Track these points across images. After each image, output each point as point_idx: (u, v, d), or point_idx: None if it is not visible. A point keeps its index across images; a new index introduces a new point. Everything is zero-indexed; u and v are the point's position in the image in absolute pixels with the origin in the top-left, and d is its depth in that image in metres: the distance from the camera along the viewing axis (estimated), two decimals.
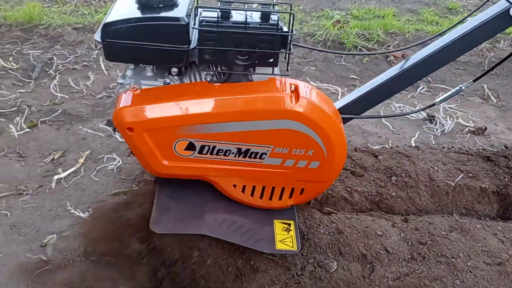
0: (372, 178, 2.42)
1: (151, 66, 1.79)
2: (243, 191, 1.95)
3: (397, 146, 2.75)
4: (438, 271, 1.97)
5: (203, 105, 1.69)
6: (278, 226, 1.99)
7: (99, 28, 1.63)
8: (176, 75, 1.76)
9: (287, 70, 1.77)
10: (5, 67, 3.53)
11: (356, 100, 2.04)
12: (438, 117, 3.06)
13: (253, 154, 1.80)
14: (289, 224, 2.00)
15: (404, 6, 5.00)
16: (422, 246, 2.08)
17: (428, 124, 3.04)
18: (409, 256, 2.04)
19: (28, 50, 3.81)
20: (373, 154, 2.62)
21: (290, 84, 1.76)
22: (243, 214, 2.01)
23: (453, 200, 2.42)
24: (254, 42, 1.62)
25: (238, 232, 1.94)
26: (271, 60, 1.67)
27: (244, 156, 1.81)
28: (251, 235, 1.94)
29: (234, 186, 1.94)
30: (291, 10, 1.68)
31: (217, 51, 1.64)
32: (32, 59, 3.66)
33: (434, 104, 2.07)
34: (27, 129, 2.84)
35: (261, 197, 1.97)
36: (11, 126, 2.84)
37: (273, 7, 1.72)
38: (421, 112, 3.14)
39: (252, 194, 1.97)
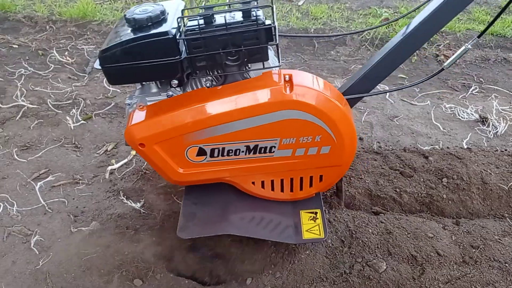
0: (422, 179, 2.38)
1: (155, 83, 1.85)
2: (263, 187, 1.97)
3: (447, 148, 2.68)
4: (490, 276, 1.92)
5: (204, 110, 1.72)
6: (305, 216, 1.99)
7: (97, 56, 1.70)
8: (177, 86, 1.80)
9: (279, 61, 1.79)
10: (61, 61, 3.68)
11: (360, 79, 1.98)
12: (490, 119, 2.97)
13: (263, 149, 1.81)
14: (316, 213, 2.00)
15: None
16: (474, 250, 2.03)
17: (481, 125, 2.95)
18: (461, 260, 2.00)
19: (82, 45, 3.95)
20: (423, 154, 2.57)
21: (284, 75, 1.76)
22: (268, 209, 2.02)
23: (506, 204, 2.34)
24: (239, 40, 1.63)
25: (264, 227, 1.95)
26: (259, 55, 1.68)
27: (254, 153, 1.82)
28: (277, 229, 1.95)
29: (253, 183, 1.96)
30: (272, 3, 1.70)
31: (205, 57, 1.67)
32: (86, 54, 3.80)
33: (443, 69, 1.97)
34: (82, 121, 2.95)
35: (281, 190, 1.98)
36: (67, 118, 2.96)
37: (256, 3, 1.74)
38: (473, 113, 3.05)
39: (272, 189, 1.98)
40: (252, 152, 1.82)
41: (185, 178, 1.89)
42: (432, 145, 2.74)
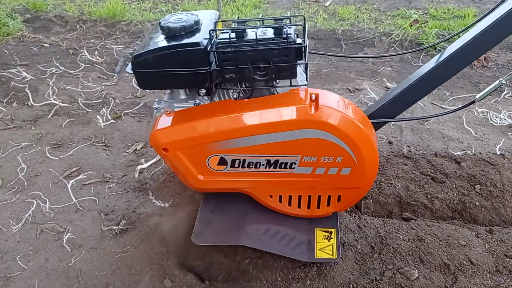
0: (454, 186, 2.34)
1: (184, 90, 1.87)
2: (280, 201, 1.98)
3: (480, 153, 2.62)
4: None
5: (228, 122, 1.74)
6: (319, 234, 1.99)
7: (130, 60, 1.71)
8: (205, 95, 1.82)
9: (306, 80, 1.80)
10: (91, 61, 3.74)
11: (389, 103, 1.95)
12: None
13: (283, 165, 1.82)
14: (331, 233, 1.99)
15: (486, 7, 4.75)
16: (508, 259, 1.98)
17: None
18: (494, 269, 1.95)
19: (111, 45, 4.01)
20: (455, 160, 2.52)
21: (311, 94, 1.76)
22: (284, 223, 2.03)
23: None
24: (268, 57, 1.64)
25: (278, 241, 1.96)
26: (288, 72, 1.69)
27: (275, 167, 1.83)
28: (291, 244, 1.95)
29: (271, 196, 1.97)
30: (304, 22, 1.72)
31: (234, 70, 1.69)
32: (115, 54, 3.86)
33: (474, 101, 1.93)
34: (112, 120, 2.99)
35: (299, 206, 1.98)
36: (98, 116, 3.01)
37: (289, 21, 1.75)
38: (506, 118, 2.98)
39: (289, 204, 1.98)
40: (273, 166, 1.83)
41: (205, 185, 1.92)
42: (464, 150, 2.69)
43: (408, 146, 2.74)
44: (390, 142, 2.77)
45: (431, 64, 1.86)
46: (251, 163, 1.83)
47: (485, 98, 1.93)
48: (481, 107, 3.11)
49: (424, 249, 2.00)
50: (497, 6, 1.80)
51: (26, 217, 2.30)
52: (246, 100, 1.80)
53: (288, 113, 1.70)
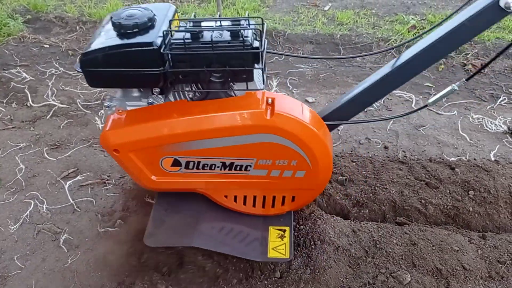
0: (448, 191, 2.36)
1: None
2: (235, 200, 1.99)
3: (474, 159, 2.65)
4: None
5: (183, 125, 1.71)
6: (273, 232, 1.99)
7: (78, 58, 1.67)
8: (158, 94, 1.77)
9: (263, 83, 1.77)
10: None
11: (344, 105, 1.96)
12: None
13: (238, 167, 1.82)
14: (284, 231, 2.00)
15: None
16: (500, 265, 2.01)
17: (509, 138, 2.91)
18: (487, 275, 1.98)
19: None
20: (449, 165, 2.55)
21: (267, 98, 1.74)
22: (238, 221, 2.02)
23: None
24: (224, 60, 1.60)
25: (231, 241, 1.96)
26: (244, 76, 1.65)
27: (230, 169, 1.83)
28: (244, 244, 1.95)
29: (226, 196, 1.97)
30: (262, 24, 1.66)
31: (189, 72, 1.64)
32: None
33: (426, 106, 1.95)
34: None
35: (254, 205, 1.99)
36: (96, 118, 3.02)
37: (247, 23, 1.69)
38: (501, 125, 3.01)
39: (244, 203, 1.99)
40: (228, 168, 1.83)
41: (158, 185, 1.91)
42: (458, 156, 2.72)
43: (404, 151, 2.77)
44: (386, 147, 2.80)
45: (386, 68, 1.87)
46: (206, 165, 1.82)
47: (438, 102, 1.92)
48: (477, 113, 3.14)
49: (417, 254, 2.02)
50: (455, 13, 1.83)
51: (23, 217, 2.32)
52: (201, 102, 1.77)
53: (244, 117, 1.69)
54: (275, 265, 2.01)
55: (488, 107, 3.22)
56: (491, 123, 3.04)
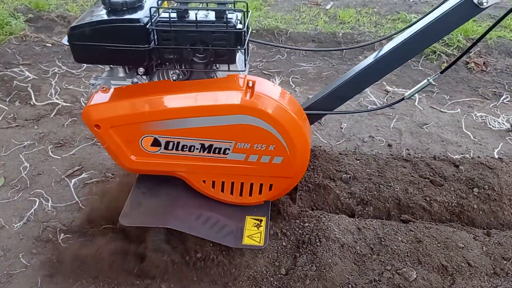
0: (453, 189, 2.36)
1: (123, 67, 1.83)
2: (213, 186, 1.98)
3: (478, 157, 2.66)
4: None
5: (163, 102, 1.73)
6: (249, 222, 2.01)
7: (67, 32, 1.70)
8: (143, 74, 1.80)
9: (245, 66, 1.81)
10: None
11: (326, 96, 2.00)
12: None
13: (217, 150, 1.83)
14: (261, 221, 2.01)
15: (486, 12, 4.77)
16: (505, 262, 2.01)
17: None
18: (492, 271, 1.98)
19: None
20: (453, 163, 2.55)
21: (248, 81, 1.76)
22: (216, 209, 2.03)
23: None
24: (207, 40, 1.64)
25: (207, 226, 1.97)
26: (226, 57, 1.69)
27: (209, 152, 1.84)
28: (220, 230, 1.96)
29: (204, 182, 1.97)
30: (247, 8, 1.70)
31: (173, 50, 1.67)
32: None
33: (403, 99, 1.99)
34: None
35: (231, 193, 2.00)
36: None
37: (233, 6, 1.76)
38: (504, 123, 3.02)
39: (222, 190, 1.99)
40: (207, 151, 1.84)
41: (137, 166, 1.90)
42: (462, 154, 2.72)
43: (407, 149, 2.77)
44: (389, 145, 2.80)
45: (368, 60, 1.91)
46: (185, 146, 1.83)
47: (413, 95, 2.01)
48: (480, 111, 3.15)
49: (422, 251, 2.03)
50: (436, 8, 1.85)
51: (28, 215, 2.33)
52: (183, 82, 1.80)
53: (223, 97, 1.71)
54: (280, 262, 2.02)
55: (491, 105, 3.23)
56: (494, 121, 3.05)
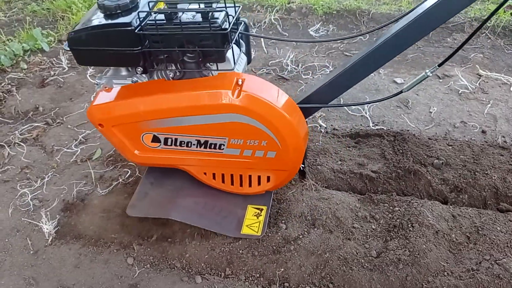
0: None
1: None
2: (214, 178, 2.03)
3: None
4: None
5: (157, 102, 1.79)
6: (250, 211, 2.06)
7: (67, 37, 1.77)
8: (142, 73, 1.84)
9: (234, 64, 1.83)
10: None
11: (322, 88, 1.96)
12: None
13: (213, 145, 1.89)
14: (261, 210, 2.06)
15: None
16: None
17: None
18: None
19: None
20: None
21: (238, 79, 1.77)
22: (219, 198, 2.10)
23: None
24: (194, 41, 1.67)
25: (208, 216, 2.05)
26: (214, 56, 1.72)
27: (205, 147, 1.90)
28: (221, 219, 2.04)
29: (205, 173, 2.05)
30: (235, 6, 1.74)
31: (164, 51, 1.72)
32: None
33: (401, 92, 1.92)
34: None
35: (232, 183, 2.05)
36: None
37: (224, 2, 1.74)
38: None
39: (223, 181, 2.06)
40: (203, 146, 1.89)
41: (141, 160, 2.00)
42: None
43: (503, 137, 2.62)
44: (483, 131, 2.67)
45: (366, 50, 1.85)
46: (183, 142, 1.89)
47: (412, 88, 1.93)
48: None
49: None
50: None
51: (115, 184, 2.44)
52: (177, 81, 1.84)
53: (211, 97, 1.74)
54: (370, 245, 2.00)
55: None
56: None
